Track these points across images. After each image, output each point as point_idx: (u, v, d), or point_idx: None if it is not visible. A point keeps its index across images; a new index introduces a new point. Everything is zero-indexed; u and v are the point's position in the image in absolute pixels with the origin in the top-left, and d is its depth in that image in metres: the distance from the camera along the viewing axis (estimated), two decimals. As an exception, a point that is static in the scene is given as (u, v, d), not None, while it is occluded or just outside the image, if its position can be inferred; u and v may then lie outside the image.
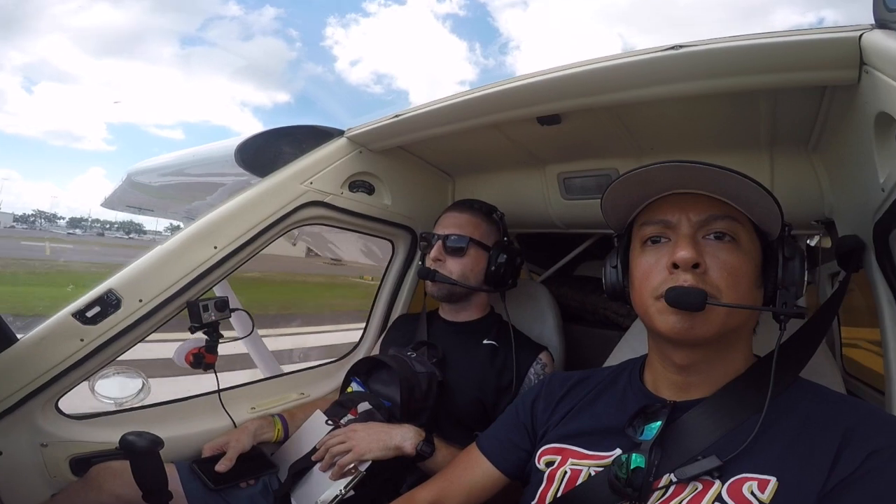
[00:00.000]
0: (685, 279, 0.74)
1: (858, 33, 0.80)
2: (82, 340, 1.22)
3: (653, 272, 0.79)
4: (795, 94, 1.01)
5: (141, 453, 1.00)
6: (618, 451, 0.82)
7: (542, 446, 0.92)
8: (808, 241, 1.52)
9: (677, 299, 0.73)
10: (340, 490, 1.18)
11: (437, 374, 1.38)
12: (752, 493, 0.68)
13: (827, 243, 1.43)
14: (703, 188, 0.79)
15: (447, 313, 1.57)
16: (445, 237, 1.47)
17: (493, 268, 1.47)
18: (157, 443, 1.01)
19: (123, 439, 1.00)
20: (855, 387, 1.29)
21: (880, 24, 0.80)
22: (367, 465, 1.19)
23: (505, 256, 1.48)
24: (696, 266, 0.75)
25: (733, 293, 0.75)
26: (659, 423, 0.79)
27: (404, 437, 1.20)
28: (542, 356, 1.45)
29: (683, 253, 0.75)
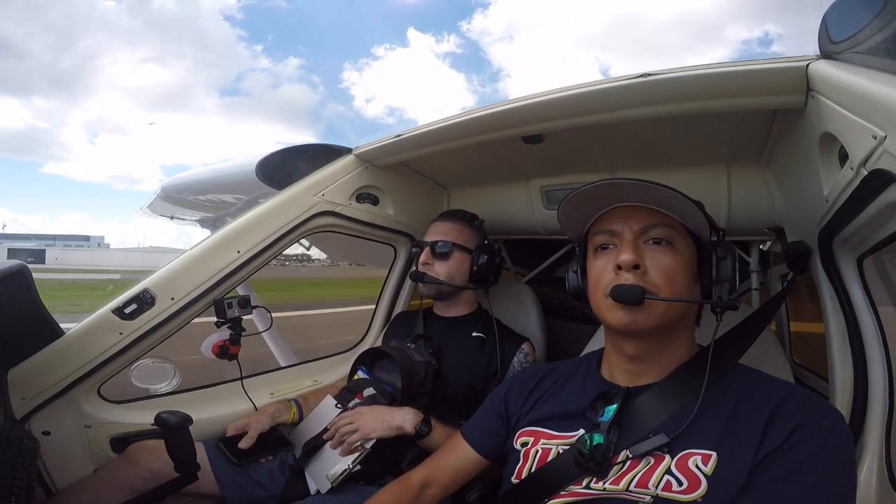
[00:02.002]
0: (627, 278, 0.77)
1: (805, 63, 0.79)
2: (121, 334, 1.21)
3: (603, 274, 0.82)
4: (750, 116, 1.00)
5: (173, 429, 1.00)
6: (581, 432, 0.83)
7: (517, 430, 0.93)
8: (760, 247, 1.51)
9: (620, 295, 0.76)
10: (349, 465, 1.18)
11: (433, 363, 1.37)
12: (697, 467, 0.70)
13: (777, 248, 1.42)
14: (641, 201, 0.81)
15: (440, 310, 1.57)
16: (433, 243, 1.48)
17: (475, 268, 1.48)
18: (187, 420, 1.02)
19: (158, 416, 1.00)
20: (803, 374, 1.28)
21: (825, 54, 0.80)
22: (371, 442, 1.19)
23: (486, 257, 1.49)
24: (636, 267, 0.77)
25: (670, 289, 0.77)
26: (615, 405, 0.81)
27: (405, 418, 1.20)
28: (525, 346, 1.45)
29: (625, 256, 0.77)
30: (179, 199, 2.08)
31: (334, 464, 1.20)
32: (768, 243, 1.51)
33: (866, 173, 0.69)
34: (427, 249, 1.48)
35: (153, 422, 1.01)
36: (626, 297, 0.75)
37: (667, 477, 0.71)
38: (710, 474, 0.68)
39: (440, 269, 1.46)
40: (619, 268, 0.78)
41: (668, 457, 0.73)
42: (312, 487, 1.24)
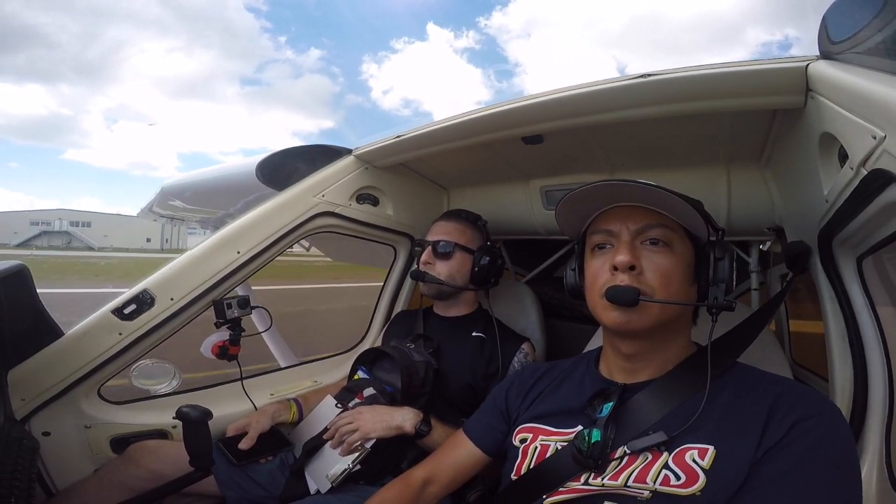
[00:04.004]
0: (622, 279, 0.77)
1: (805, 63, 0.79)
2: (120, 334, 1.21)
3: (599, 274, 0.82)
4: (749, 116, 1.00)
5: (194, 422, 1.01)
6: (579, 428, 0.83)
7: (516, 426, 0.93)
8: (760, 247, 1.51)
9: (615, 296, 0.77)
10: (348, 465, 1.18)
11: (432, 363, 1.37)
12: (694, 461, 0.70)
13: (777, 248, 1.42)
14: (638, 201, 0.81)
15: (440, 309, 1.57)
16: (435, 243, 1.47)
17: (476, 269, 1.47)
18: (207, 414, 1.02)
19: (179, 410, 1.00)
20: (802, 374, 1.28)
21: (824, 55, 0.79)
22: (371, 442, 1.19)
23: (487, 259, 1.48)
24: (632, 268, 0.77)
25: (665, 291, 0.77)
26: (612, 402, 0.82)
27: (405, 418, 1.20)
28: (525, 346, 1.45)
29: (621, 257, 0.77)
30: (179, 199, 2.08)
31: (334, 464, 1.19)
32: (768, 243, 1.51)
33: (866, 173, 0.68)
34: (429, 249, 1.48)
35: (175, 415, 1.02)
36: (621, 298, 0.76)
37: (664, 471, 0.71)
38: (707, 468, 0.69)
39: (441, 269, 1.46)
40: (615, 268, 0.78)
41: (665, 452, 0.73)
42: (312, 487, 1.23)
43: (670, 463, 0.71)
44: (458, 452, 1.01)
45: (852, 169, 0.72)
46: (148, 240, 67.39)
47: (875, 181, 0.68)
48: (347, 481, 1.18)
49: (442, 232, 1.49)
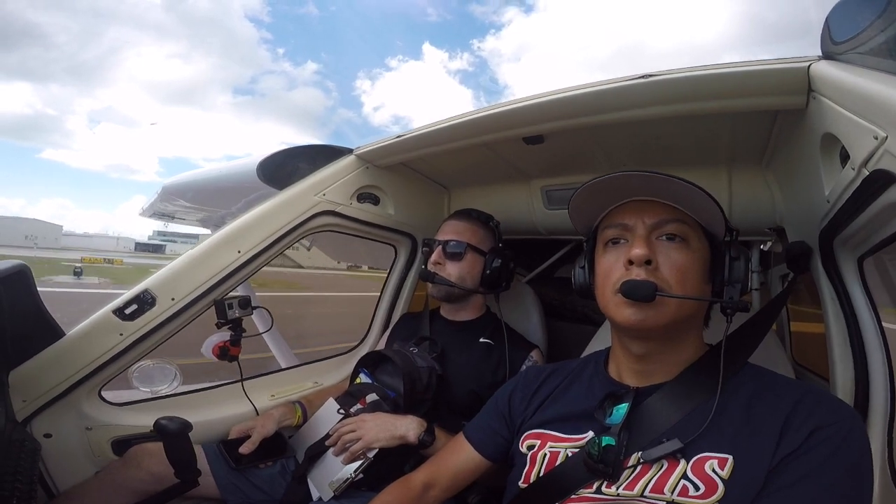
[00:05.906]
0: (638, 273, 0.75)
1: (807, 64, 0.79)
2: (121, 335, 1.20)
3: (612, 269, 0.79)
4: (751, 116, 1.00)
5: (172, 435, 1.00)
6: (590, 434, 0.81)
7: (523, 432, 0.91)
8: (761, 247, 1.51)
9: (631, 291, 0.74)
10: (351, 473, 1.18)
11: (436, 369, 1.34)
12: (714, 471, 0.68)
13: (778, 248, 1.42)
14: (656, 195, 0.79)
15: (447, 312, 1.54)
16: (445, 243, 1.44)
17: (488, 271, 1.44)
18: (187, 426, 1.01)
19: (157, 423, 1.00)
20: (803, 374, 1.28)
21: (826, 55, 0.79)
22: (374, 451, 1.18)
23: (499, 261, 1.45)
24: (648, 262, 0.75)
25: (682, 287, 0.75)
26: (625, 405, 0.79)
27: (408, 427, 1.19)
28: (534, 354, 1.42)
29: (637, 251, 0.75)
30: (180, 199, 2.08)
31: (337, 471, 1.19)
32: (769, 243, 1.51)
33: (867, 174, 0.69)
34: (439, 248, 1.44)
35: (152, 428, 1.01)
36: (638, 293, 0.73)
37: (683, 482, 0.69)
38: (727, 478, 0.67)
39: (451, 270, 1.42)
40: (631, 263, 0.75)
41: (683, 461, 0.71)
42: (315, 493, 1.23)
43: (689, 473, 0.69)
44: (458, 457, 1.00)
45: (854, 169, 0.72)
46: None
47: (876, 182, 0.68)
48: (350, 488, 1.18)
49: (453, 231, 1.45)
